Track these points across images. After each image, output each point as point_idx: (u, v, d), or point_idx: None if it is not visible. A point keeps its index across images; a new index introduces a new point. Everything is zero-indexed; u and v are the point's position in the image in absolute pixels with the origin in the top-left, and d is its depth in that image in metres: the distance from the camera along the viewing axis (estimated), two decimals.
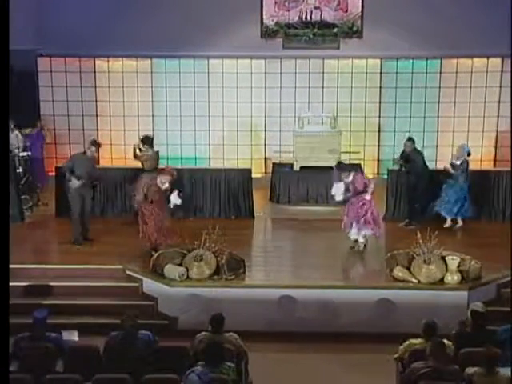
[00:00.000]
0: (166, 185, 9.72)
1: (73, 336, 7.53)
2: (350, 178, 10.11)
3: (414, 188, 11.43)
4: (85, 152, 10.63)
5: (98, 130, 14.23)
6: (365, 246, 10.28)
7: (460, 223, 11.35)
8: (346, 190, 10.17)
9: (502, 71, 13.71)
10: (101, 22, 13.33)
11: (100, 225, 11.19)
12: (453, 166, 11.21)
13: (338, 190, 10.24)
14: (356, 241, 10.27)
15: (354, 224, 10.14)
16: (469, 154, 11.31)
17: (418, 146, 12.80)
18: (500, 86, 13.74)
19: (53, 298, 9.25)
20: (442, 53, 13.53)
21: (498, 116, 13.85)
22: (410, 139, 11.56)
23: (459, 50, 13.35)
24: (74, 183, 10.33)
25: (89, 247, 10.51)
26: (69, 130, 14.27)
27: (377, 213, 10.28)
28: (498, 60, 13.68)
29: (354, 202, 10.12)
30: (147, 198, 9.76)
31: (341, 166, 10.40)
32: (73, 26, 13.25)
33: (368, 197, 10.08)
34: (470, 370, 6.47)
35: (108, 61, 14.07)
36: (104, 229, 11.10)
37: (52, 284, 9.49)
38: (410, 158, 11.37)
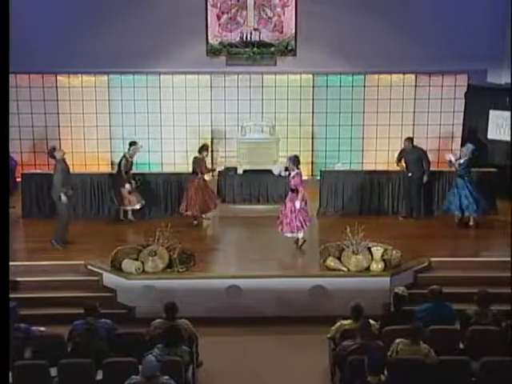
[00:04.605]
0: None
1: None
2: (294, 172, 10.02)
3: (415, 185, 11.50)
4: (64, 160, 10.39)
5: (60, 139, 13.96)
6: (304, 240, 10.27)
7: (472, 221, 11.07)
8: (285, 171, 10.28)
9: (415, 86, 13.97)
10: (61, 42, 13.10)
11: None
12: (459, 164, 10.98)
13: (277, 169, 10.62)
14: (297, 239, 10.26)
15: (288, 228, 10.11)
16: (473, 153, 11.09)
17: (347, 151, 13.04)
18: (414, 99, 14.01)
19: (21, 292, 9.08)
20: (365, 69, 13.72)
21: (413, 124, 14.14)
22: (409, 138, 11.72)
23: (380, 67, 13.57)
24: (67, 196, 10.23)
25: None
26: (33, 139, 14.01)
27: (305, 216, 10.17)
28: (413, 76, 13.96)
29: (287, 207, 10.10)
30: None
31: (295, 160, 10.11)
32: (36, 45, 12.99)
33: (298, 206, 9.98)
34: (397, 340, 6.65)
35: (68, 77, 13.83)
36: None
37: (21, 279, 9.33)
38: (407, 155, 11.52)
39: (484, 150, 13.08)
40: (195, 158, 11.43)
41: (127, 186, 11.32)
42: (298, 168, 10.08)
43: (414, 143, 11.81)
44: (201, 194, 11.29)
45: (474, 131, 13.37)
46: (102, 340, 6.95)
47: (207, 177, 11.71)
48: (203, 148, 11.46)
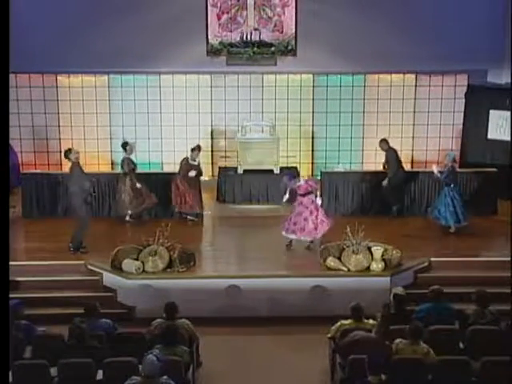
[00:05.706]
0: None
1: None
2: (300, 182, 10.13)
3: (390, 186, 11.52)
4: (78, 163, 10.36)
5: (60, 139, 13.96)
6: (311, 241, 10.23)
7: (453, 228, 10.84)
8: (290, 193, 10.24)
9: (415, 85, 13.95)
10: (61, 42, 13.08)
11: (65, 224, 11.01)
12: (441, 173, 10.82)
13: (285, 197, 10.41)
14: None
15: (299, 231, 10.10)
16: (454, 160, 11.08)
17: (347, 151, 13.00)
18: (414, 98, 13.98)
19: (21, 292, 9.07)
20: (365, 69, 13.71)
21: (413, 124, 14.13)
22: (383, 140, 11.76)
23: (380, 67, 13.55)
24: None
25: (55, 245, 10.32)
26: (33, 139, 13.99)
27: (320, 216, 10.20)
28: (413, 76, 13.94)
29: (300, 211, 10.06)
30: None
31: (292, 175, 10.34)
32: (36, 45, 12.99)
33: (319, 201, 10.10)
34: (397, 340, 6.67)
35: (69, 77, 13.81)
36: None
37: (21, 279, 9.33)
38: (386, 156, 11.57)
39: (484, 149, 13.09)
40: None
41: (138, 185, 11.34)
42: (298, 177, 10.24)
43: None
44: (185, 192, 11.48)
45: (474, 131, 13.36)
46: (102, 340, 6.95)
47: (207, 177, 11.81)
48: (195, 149, 11.68)
